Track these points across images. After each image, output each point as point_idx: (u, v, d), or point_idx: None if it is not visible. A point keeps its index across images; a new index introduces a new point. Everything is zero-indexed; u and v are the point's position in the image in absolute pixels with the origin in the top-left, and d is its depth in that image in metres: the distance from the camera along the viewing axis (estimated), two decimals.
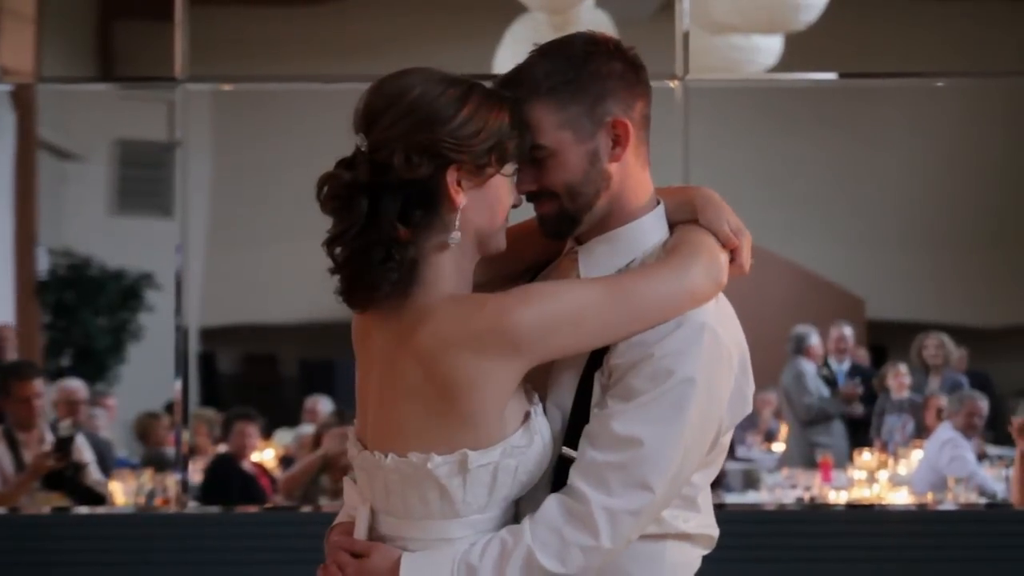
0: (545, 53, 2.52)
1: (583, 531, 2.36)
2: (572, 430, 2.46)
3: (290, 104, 8.26)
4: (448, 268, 2.42)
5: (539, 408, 2.46)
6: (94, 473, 7.03)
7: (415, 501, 2.41)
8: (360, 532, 2.48)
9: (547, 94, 2.47)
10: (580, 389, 2.48)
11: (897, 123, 8.73)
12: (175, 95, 6.87)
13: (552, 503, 2.38)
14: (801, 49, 7.32)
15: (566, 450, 2.44)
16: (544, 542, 2.36)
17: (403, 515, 2.44)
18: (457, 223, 2.39)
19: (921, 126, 8.71)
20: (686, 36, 6.73)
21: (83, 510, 6.74)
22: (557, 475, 2.45)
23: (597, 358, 2.45)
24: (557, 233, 2.56)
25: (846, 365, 8.65)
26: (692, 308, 2.42)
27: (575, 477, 2.39)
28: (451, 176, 2.38)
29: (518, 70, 2.52)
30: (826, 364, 8.59)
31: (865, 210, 8.91)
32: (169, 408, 7.64)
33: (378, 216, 2.36)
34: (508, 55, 7.39)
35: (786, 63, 7.35)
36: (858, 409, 8.51)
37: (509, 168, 2.45)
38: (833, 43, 7.38)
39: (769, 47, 7.44)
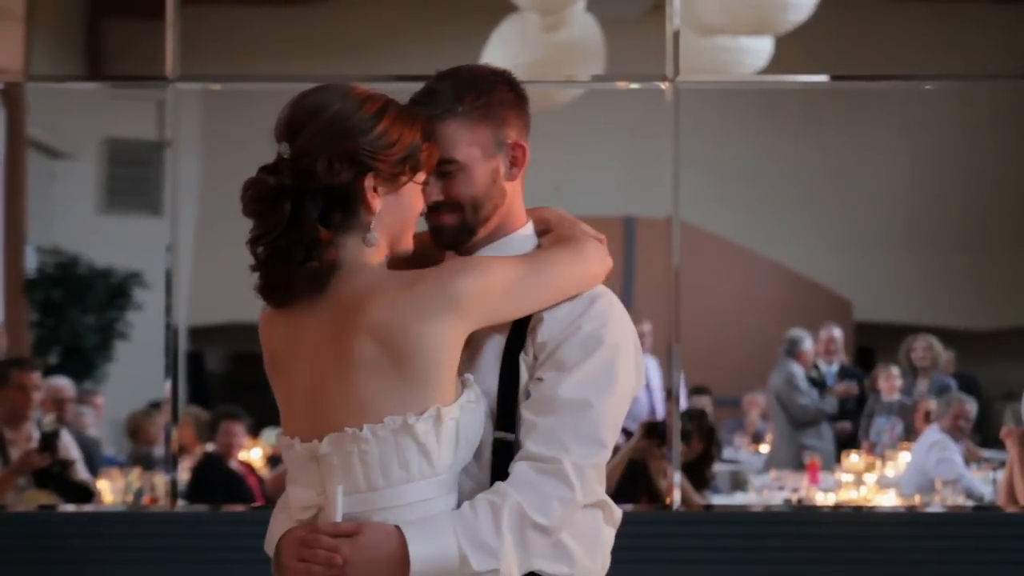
0: (454, 78, 2.77)
1: (560, 485, 2.61)
2: (502, 411, 2.70)
3: (280, 104, 8.26)
4: (364, 262, 2.63)
5: (471, 377, 2.69)
6: (81, 471, 7.02)
7: (395, 467, 2.55)
8: (336, 516, 2.55)
9: (461, 114, 2.73)
10: (503, 372, 2.71)
11: (886, 125, 8.74)
12: (165, 94, 6.86)
13: (522, 467, 2.61)
14: (791, 51, 7.33)
15: (501, 433, 2.68)
16: (527, 497, 2.58)
17: (383, 485, 2.55)
18: (374, 225, 2.62)
19: (910, 129, 8.72)
20: (676, 37, 6.73)
21: (70, 508, 6.73)
22: (496, 458, 2.67)
23: (516, 342, 2.71)
24: (453, 243, 2.79)
25: (835, 367, 8.66)
26: (592, 285, 2.75)
27: (534, 445, 2.63)
28: (368, 182, 2.60)
29: (432, 91, 2.75)
30: (815, 366, 8.60)
31: (853, 212, 8.93)
32: (154, 406, 7.64)
33: (300, 218, 2.57)
34: (497, 55, 7.40)
35: (776, 65, 7.36)
36: (845, 410, 8.52)
37: (420, 177, 2.68)
38: (823, 45, 7.39)
39: (758, 49, 7.44)
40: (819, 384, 8.56)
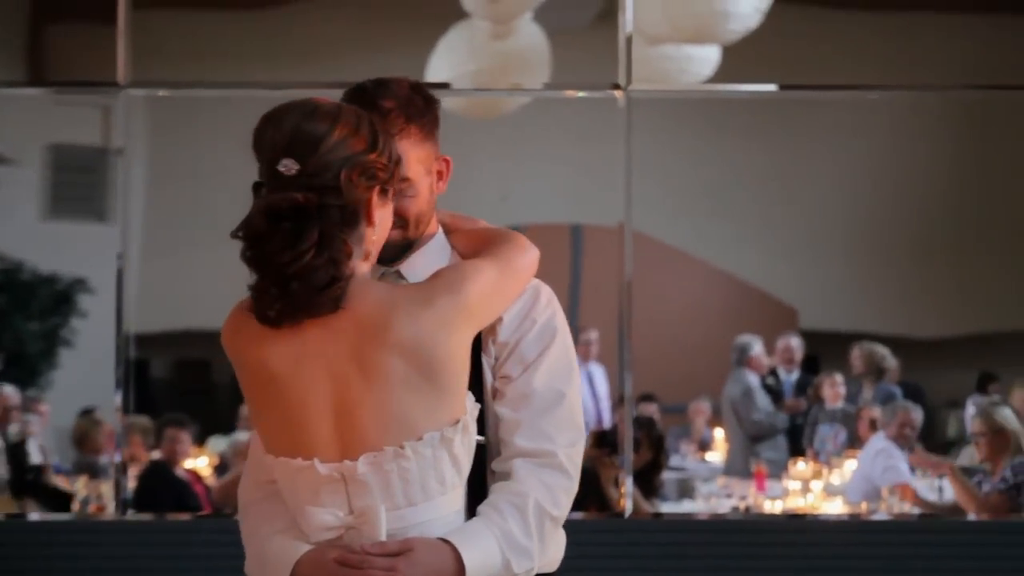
0: (396, 95, 2.80)
1: (560, 476, 2.70)
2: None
3: (228, 110, 8.22)
4: (367, 277, 2.65)
5: None
6: (53, 477, 7.01)
7: (432, 481, 2.58)
8: (380, 534, 2.56)
9: (412, 134, 2.78)
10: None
11: (834, 135, 8.78)
12: (113, 100, 6.81)
13: (522, 463, 2.69)
14: (739, 60, 7.36)
15: (478, 437, 2.71)
16: (541, 493, 2.66)
17: (421, 500, 2.58)
18: (374, 238, 2.64)
19: (857, 138, 8.76)
20: (629, 46, 6.75)
21: (12, 518, 6.68)
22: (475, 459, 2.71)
23: (475, 344, 2.71)
24: (394, 257, 2.83)
25: (794, 376, 8.69)
26: (532, 278, 2.80)
27: (524, 441, 2.71)
28: (374, 196, 2.61)
29: (380, 108, 2.75)
30: (773, 374, 8.63)
31: (800, 220, 8.96)
32: (86, 413, 7.60)
33: (329, 235, 2.54)
34: (445, 62, 7.39)
35: (724, 74, 7.39)
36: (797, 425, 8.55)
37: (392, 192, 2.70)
38: (772, 54, 7.42)
39: (705, 57, 7.46)
40: (776, 393, 8.59)
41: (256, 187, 2.59)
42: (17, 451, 6.75)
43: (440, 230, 2.91)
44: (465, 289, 2.59)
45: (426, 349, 2.54)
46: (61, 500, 6.89)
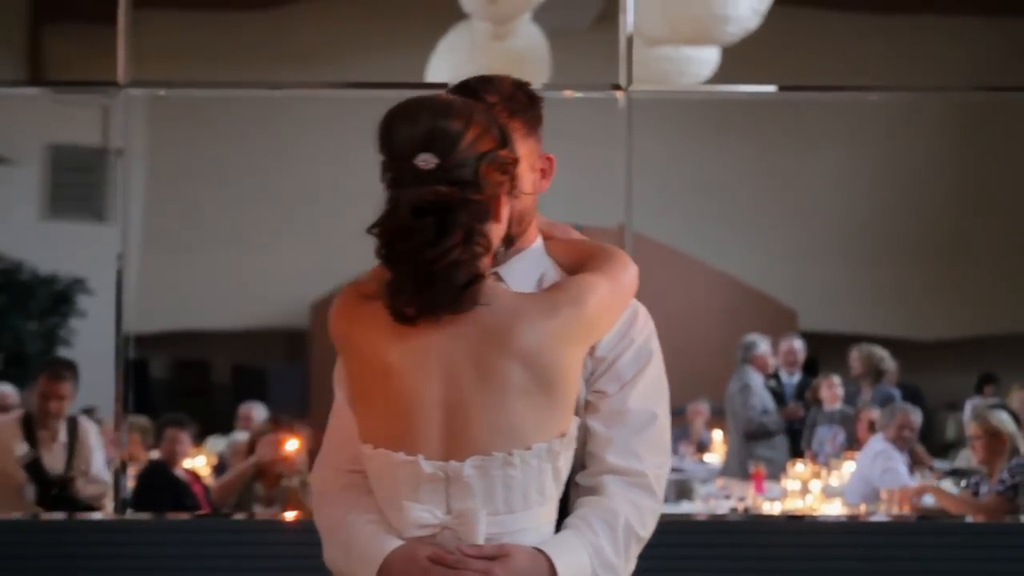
0: (504, 88, 2.79)
1: (649, 498, 2.69)
2: None
3: (228, 110, 8.22)
4: (491, 279, 2.64)
5: None
6: (84, 485, 7.03)
7: (533, 492, 2.59)
8: (478, 537, 2.56)
9: (519, 128, 2.73)
10: None
11: (833, 136, 8.78)
12: (114, 100, 6.81)
13: (612, 480, 2.68)
14: (739, 61, 7.36)
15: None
16: (631, 512, 2.66)
17: (520, 508, 2.58)
18: (500, 236, 2.65)
19: (856, 139, 8.77)
20: (630, 46, 6.75)
21: (15, 517, 6.68)
22: None
23: None
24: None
25: (796, 378, 8.69)
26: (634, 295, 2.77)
27: (615, 458, 2.69)
28: (503, 193, 2.62)
29: (493, 100, 2.74)
30: (775, 376, 8.63)
31: (799, 222, 8.96)
32: (87, 412, 7.59)
33: (474, 231, 2.54)
34: (445, 63, 7.39)
35: (724, 75, 7.39)
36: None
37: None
38: (772, 56, 7.42)
39: (705, 59, 7.46)
40: (778, 395, 8.59)
41: (394, 183, 2.57)
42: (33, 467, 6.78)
43: (540, 236, 2.87)
44: (588, 303, 2.59)
45: (546, 360, 2.55)
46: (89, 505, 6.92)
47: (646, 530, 2.68)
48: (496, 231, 2.61)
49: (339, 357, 2.76)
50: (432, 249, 2.51)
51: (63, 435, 7.13)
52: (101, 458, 7.14)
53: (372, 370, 2.62)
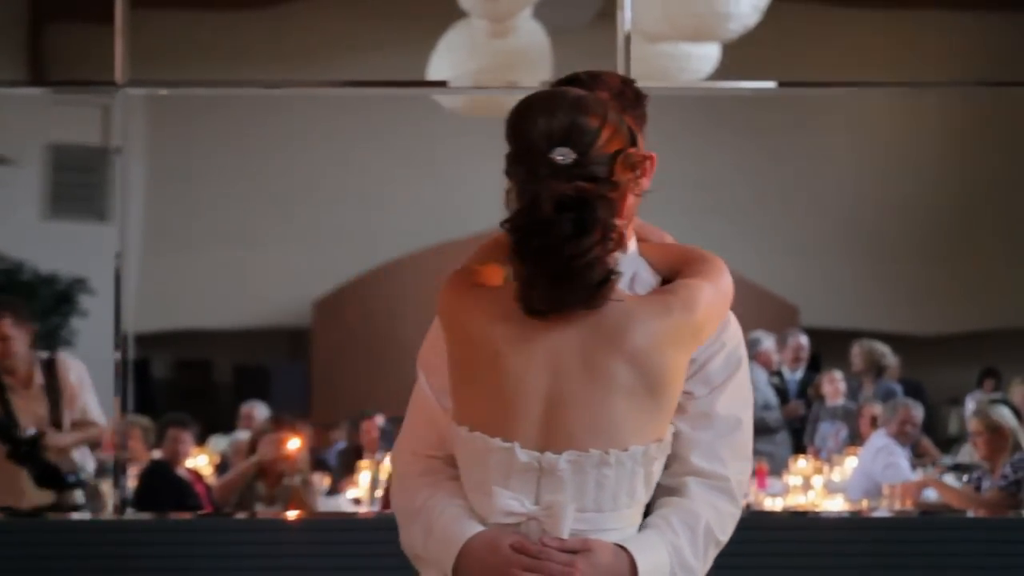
0: (613, 84, 2.80)
1: (729, 502, 2.68)
2: None
3: (228, 110, 8.22)
4: None
5: None
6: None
7: (623, 494, 2.58)
8: (563, 531, 2.55)
9: (631, 123, 2.71)
10: None
11: (832, 132, 8.79)
12: (113, 100, 6.81)
13: (695, 483, 2.66)
14: (740, 58, 7.35)
15: None
16: (711, 516, 2.64)
17: (608, 508, 2.57)
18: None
19: (857, 135, 8.77)
20: (628, 43, 6.74)
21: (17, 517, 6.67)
22: None
23: None
24: None
25: (799, 374, 8.69)
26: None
27: (700, 460, 2.67)
28: (631, 189, 2.63)
29: (604, 97, 2.69)
30: (778, 373, 8.62)
31: (801, 218, 8.97)
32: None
33: (609, 225, 2.54)
34: (444, 62, 7.39)
35: (724, 71, 7.38)
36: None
37: None
38: (772, 52, 7.41)
39: (705, 55, 7.46)
40: (781, 391, 8.59)
41: (528, 176, 2.55)
42: (32, 444, 6.68)
43: (634, 237, 2.83)
44: (698, 308, 2.59)
45: (655, 362, 2.55)
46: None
47: (725, 535, 2.68)
48: (621, 228, 2.61)
49: (428, 341, 2.77)
50: (572, 245, 2.50)
51: (39, 378, 6.97)
52: (93, 398, 6.99)
53: (479, 355, 2.61)
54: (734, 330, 2.75)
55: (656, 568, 2.57)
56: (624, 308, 2.56)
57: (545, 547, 2.53)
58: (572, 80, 2.78)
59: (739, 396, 2.73)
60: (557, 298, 2.53)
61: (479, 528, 2.59)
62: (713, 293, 2.63)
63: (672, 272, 2.70)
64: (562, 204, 2.51)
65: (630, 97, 2.79)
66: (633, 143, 2.61)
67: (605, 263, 2.52)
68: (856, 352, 8.45)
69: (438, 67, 7.39)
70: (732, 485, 2.69)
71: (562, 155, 2.53)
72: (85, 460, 7.09)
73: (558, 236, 2.50)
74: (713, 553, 2.67)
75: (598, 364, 2.55)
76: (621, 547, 2.55)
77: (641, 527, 2.63)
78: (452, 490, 2.67)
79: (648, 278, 2.72)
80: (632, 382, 2.54)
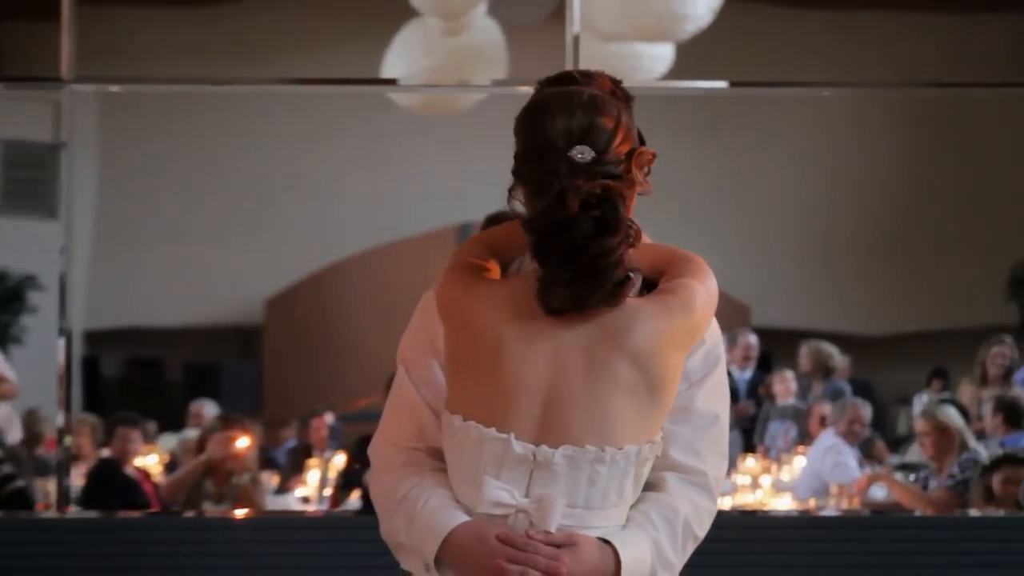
0: (604, 85, 2.76)
1: (707, 498, 2.68)
2: None
3: (179, 106, 8.19)
4: None
5: None
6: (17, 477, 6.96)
7: (613, 492, 2.58)
8: (551, 525, 2.55)
9: None
10: None
11: (784, 132, 8.82)
12: (60, 96, 6.77)
13: (672, 477, 2.66)
14: (692, 57, 7.37)
15: None
16: (690, 511, 2.64)
17: (597, 506, 2.57)
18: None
19: (806, 135, 8.81)
20: (576, 43, 6.75)
21: None
22: None
23: None
24: None
25: (748, 374, 8.72)
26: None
27: (677, 454, 2.68)
28: (640, 189, 2.64)
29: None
30: (727, 372, 8.64)
31: (751, 217, 9.00)
32: (33, 411, 7.57)
33: (625, 223, 2.55)
34: (398, 59, 7.39)
35: (675, 71, 7.39)
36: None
37: None
38: (724, 52, 7.44)
39: (659, 55, 7.47)
40: (731, 391, 8.60)
41: (546, 175, 2.56)
42: None
43: None
44: (696, 308, 2.60)
45: (656, 361, 2.56)
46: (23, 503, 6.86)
47: (702, 530, 2.67)
48: (637, 227, 2.62)
49: (410, 335, 2.76)
50: (598, 243, 2.51)
51: None
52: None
53: (480, 344, 2.60)
54: (714, 328, 2.75)
55: (638, 563, 2.57)
56: (628, 308, 2.57)
57: (531, 539, 2.53)
58: (566, 79, 2.77)
59: (717, 393, 2.74)
60: (579, 296, 2.53)
61: (464, 518, 2.58)
62: (705, 294, 2.64)
63: (655, 272, 2.70)
64: (587, 202, 2.52)
65: (621, 97, 2.77)
66: (643, 143, 2.65)
67: (624, 263, 2.54)
68: (804, 352, 8.48)
69: (392, 65, 7.39)
70: (710, 480, 2.69)
71: (582, 153, 2.55)
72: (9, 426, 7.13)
73: (584, 234, 2.51)
74: (691, 548, 2.67)
75: (601, 362, 2.55)
76: (605, 542, 2.55)
77: (617, 523, 2.62)
78: (436, 480, 2.66)
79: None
80: (633, 381, 2.55)
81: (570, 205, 2.51)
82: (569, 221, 2.51)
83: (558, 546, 2.52)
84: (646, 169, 2.63)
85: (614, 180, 2.55)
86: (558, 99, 2.62)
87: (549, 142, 2.57)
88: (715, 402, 2.73)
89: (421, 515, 2.62)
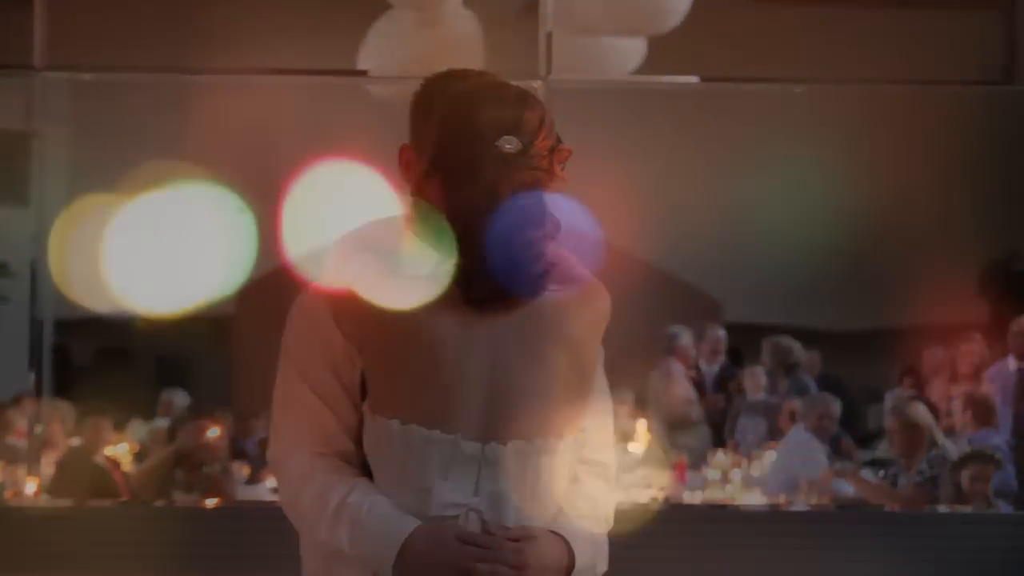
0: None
1: (611, 489, 2.69)
2: None
3: (152, 95, 8.16)
4: None
5: None
6: None
7: (553, 483, 2.58)
8: (507, 520, 2.54)
9: None
10: None
11: (756, 127, 8.83)
12: (32, 84, 6.75)
13: (583, 471, 2.65)
14: (664, 52, 7.38)
15: None
16: (605, 502, 2.66)
17: (540, 498, 2.57)
18: None
19: (779, 131, 8.82)
20: (549, 36, 6.76)
21: None
22: None
23: None
24: None
25: (716, 368, 8.73)
26: None
27: (587, 450, 2.65)
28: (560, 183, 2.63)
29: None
30: (695, 367, 8.66)
31: (724, 213, 9.01)
32: (18, 400, 7.54)
33: (551, 216, 2.54)
34: (372, 50, 7.38)
35: (649, 66, 7.40)
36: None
37: None
38: (695, 47, 7.45)
39: (632, 49, 7.48)
40: (698, 384, 8.63)
41: (471, 165, 2.53)
42: None
43: None
44: (607, 298, 2.62)
45: (586, 349, 2.58)
46: None
47: (611, 521, 2.68)
48: (558, 220, 2.61)
49: (302, 341, 2.64)
50: (524, 233, 2.51)
51: None
52: None
53: (414, 344, 2.54)
54: None
55: (584, 553, 2.58)
56: (555, 298, 2.55)
57: (494, 537, 2.51)
58: (448, 75, 2.71)
59: (604, 387, 2.71)
60: (501, 287, 2.51)
61: (416, 522, 2.53)
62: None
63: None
64: (514, 193, 2.51)
65: None
66: (560, 140, 2.60)
67: (549, 254, 2.52)
68: (765, 348, 8.49)
69: (367, 55, 7.38)
70: (611, 472, 2.70)
71: (509, 144, 2.52)
72: None
73: (514, 224, 2.50)
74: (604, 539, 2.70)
75: (539, 353, 2.54)
76: (557, 534, 2.56)
77: (554, 515, 2.62)
78: (368, 486, 2.59)
79: None
80: (568, 371, 2.55)
81: (501, 195, 2.50)
82: (496, 211, 2.50)
83: (517, 540, 2.52)
84: (562, 165, 2.60)
85: (542, 172, 2.54)
86: (489, 89, 2.58)
87: (478, 131, 2.53)
88: (607, 393, 2.72)
89: (368, 523, 2.55)
